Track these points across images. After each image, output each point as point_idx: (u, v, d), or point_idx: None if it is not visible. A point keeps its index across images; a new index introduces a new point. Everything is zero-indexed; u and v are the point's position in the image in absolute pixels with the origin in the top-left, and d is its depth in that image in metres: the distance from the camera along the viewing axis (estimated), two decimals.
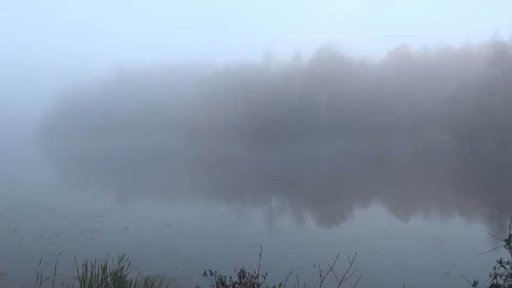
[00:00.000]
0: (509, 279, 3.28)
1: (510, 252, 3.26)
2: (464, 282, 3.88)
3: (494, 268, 3.29)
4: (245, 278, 3.80)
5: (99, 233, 11.47)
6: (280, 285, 3.99)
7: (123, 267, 6.17)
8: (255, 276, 3.84)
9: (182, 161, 43.93)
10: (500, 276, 3.29)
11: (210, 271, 3.78)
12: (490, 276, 3.29)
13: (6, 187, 21.92)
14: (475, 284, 3.25)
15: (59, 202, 16.53)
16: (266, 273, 3.88)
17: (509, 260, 3.30)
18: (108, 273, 6.08)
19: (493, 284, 3.28)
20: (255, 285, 3.80)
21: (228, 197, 20.41)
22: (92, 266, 6.12)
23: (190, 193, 21.44)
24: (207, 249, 10.03)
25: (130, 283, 6.06)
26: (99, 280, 6.01)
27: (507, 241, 3.29)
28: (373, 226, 13.11)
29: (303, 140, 65.09)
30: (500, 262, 3.30)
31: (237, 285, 3.79)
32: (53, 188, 21.71)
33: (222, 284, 3.80)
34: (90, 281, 6.01)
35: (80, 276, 6.09)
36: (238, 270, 3.86)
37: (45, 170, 36.05)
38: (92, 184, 25.46)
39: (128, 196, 20.57)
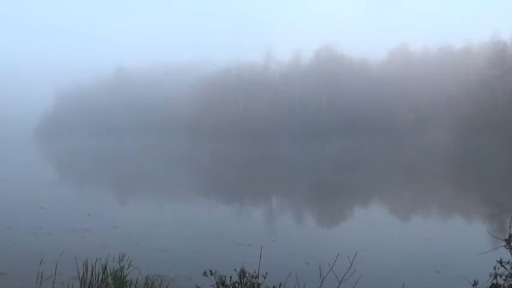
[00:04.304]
0: (509, 279, 3.29)
1: (510, 252, 3.26)
2: (465, 282, 3.88)
3: (494, 268, 3.29)
4: (245, 278, 3.80)
5: (90, 232, 11.54)
6: (280, 285, 3.99)
7: (123, 267, 6.16)
8: (255, 276, 3.84)
9: (180, 160, 43.93)
10: (501, 276, 3.29)
11: (210, 271, 3.78)
12: (490, 276, 3.29)
13: (3, 186, 21.99)
14: (475, 284, 3.26)
15: (52, 201, 16.69)
16: (266, 273, 3.87)
17: (509, 260, 3.30)
18: (109, 273, 6.08)
19: (493, 284, 3.28)
20: (255, 285, 3.80)
21: (222, 196, 20.44)
22: (92, 266, 6.12)
23: (183, 192, 21.52)
24: (198, 247, 10.05)
25: (131, 283, 6.05)
26: (99, 280, 6.01)
27: (507, 241, 3.29)
28: (372, 226, 13.11)
29: (303, 140, 65.07)
30: (501, 262, 3.30)
31: (237, 285, 3.79)
32: (48, 187, 21.77)
33: (222, 283, 3.80)
34: (90, 281, 6.01)
35: (80, 276, 6.09)
36: (238, 270, 3.86)
37: (43, 169, 36.11)
38: (86, 183, 25.63)
39: (120, 195, 20.73)
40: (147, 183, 24.78)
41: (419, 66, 71.69)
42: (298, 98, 73.91)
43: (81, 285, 5.99)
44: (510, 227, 3.35)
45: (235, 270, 3.88)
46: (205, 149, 59.04)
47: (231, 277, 3.83)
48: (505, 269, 3.30)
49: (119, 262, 6.23)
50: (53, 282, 6.14)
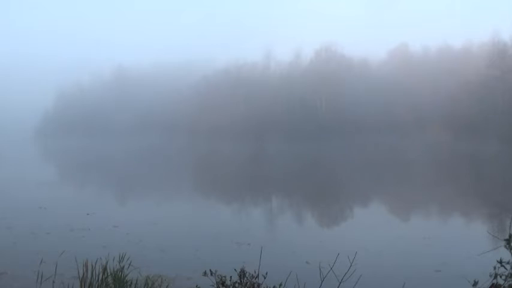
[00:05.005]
0: (509, 279, 3.28)
1: (510, 252, 3.26)
2: (465, 282, 3.89)
3: (494, 268, 3.29)
4: (245, 278, 3.80)
5: (90, 231, 11.56)
6: (280, 285, 3.99)
7: (123, 267, 6.16)
8: (255, 276, 3.84)
9: (179, 160, 43.93)
10: (501, 276, 3.29)
11: (210, 271, 3.78)
12: (490, 276, 3.29)
13: (3, 186, 22.04)
14: (475, 284, 3.26)
15: (51, 200, 16.74)
16: (266, 273, 3.88)
17: (509, 260, 3.30)
18: (109, 273, 6.08)
19: (493, 284, 3.28)
20: (255, 285, 3.80)
21: (222, 196, 20.45)
22: (92, 266, 6.12)
23: (183, 192, 21.54)
24: (198, 247, 10.06)
25: (131, 283, 6.05)
26: (99, 280, 6.01)
27: (507, 241, 3.29)
28: (372, 225, 13.12)
29: (303, 140, 65.07)
30: (501, 262, 3.29)
31: (237, 285, 3.80)
32: (48, 187, 21.80)
33: (222, 283, 3.80)
34: (90, 281, 6.01)
35: (80, 276, 6.08)
36: (238, 270, 3.86)
37: (42, 169, 36.13)
38: (86, 183, 25.65)
39: (119, 195, 20.76)
40: (146, 183, 24.79)
41: (419, 66, 71.71)
42: (298, 98, 73.91)
43: (81, 285, 5.98)
44: (510, 227, 3.35)
45: (235, 270, 3.88)
46: (206, 149, 59.04)
47: (231, 277, 3.83)
48: (505, 269, 3.30)
49: (119, 262, 6.23)
50: (53, 282, 6.13)
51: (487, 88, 60.12)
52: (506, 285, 3.28)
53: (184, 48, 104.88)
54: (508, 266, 3.30)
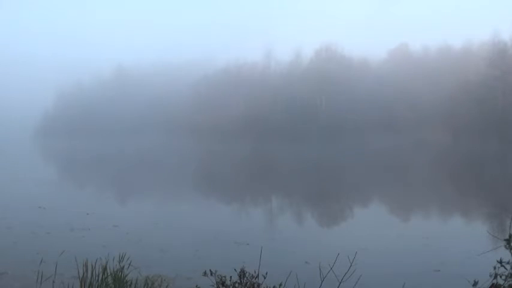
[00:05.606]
0: (509, 279, 3.29)
1: (510, 252, 3.27)
2: (465, 282, 3.89)
3: (494, 268, 3.30)
4: (245, 278, 3.80)
5: (90, 231, 11.57)
6: (280, 285, 3.99)
7: (123, 267, 6.16)
8: (255, 276, 3.84)
9: (179, 160, 43.91)
10: (501, 276, 3.30)
11: (210, 271, 3.79)
12: (490, 276, 3.30)
13: (3, 185, 22.04)
14: (475, 284, 3.26)
15: (51, 200, 16.74)
16: (266, 273, 3.88)
17: (509, 260, 3.30)
18: (109, 273, 6.07)
19: (493, 284, 3.29)
20: (255, 285, 3.80)
21: (221, 196, 20.45)
22: (92, 266, 6.12)
23: (182, 192, 21.55)
24: (198, 247, 10.06)
25: (131, 283, 6.05)
26: (99, 280, 6.00)
27: (507, 241, 3.29)
28: (371, 226, 13.12)
29: (303, 140, 65.06)
30: (501, 262, 3.30)
31: (237, 285, 3.80)
32: (48, 187, 21.81)
33: (222, 283, 3.80)
34: (90, 281, 6.01)
35: (80, 276, 6.08)
36: (238, 270, 3.87)
37: (42, 168, 36.14)
38: (85, 183, 25.64)
39: (119, 195, 20.76)
40: (146, 183, 24.76)
41: (419, 66, 71.71)
42: (298, 98, 73.90)
43: (81, 285, 5.98)
44: (510, 227, 3.36)
45: (235, 270, 3.88)
46: (206, 148, 59.01)
47: (231, 277, 3.83)
48: (505, 269, 3.30)
49: (119, 262, 6.23)
50: (53, 282, 6.13)
51: (487, 88, 60.08)
52: (506, 285, 3.28)
53: (184, 48, 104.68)
54: (508, 266, 3.30)
